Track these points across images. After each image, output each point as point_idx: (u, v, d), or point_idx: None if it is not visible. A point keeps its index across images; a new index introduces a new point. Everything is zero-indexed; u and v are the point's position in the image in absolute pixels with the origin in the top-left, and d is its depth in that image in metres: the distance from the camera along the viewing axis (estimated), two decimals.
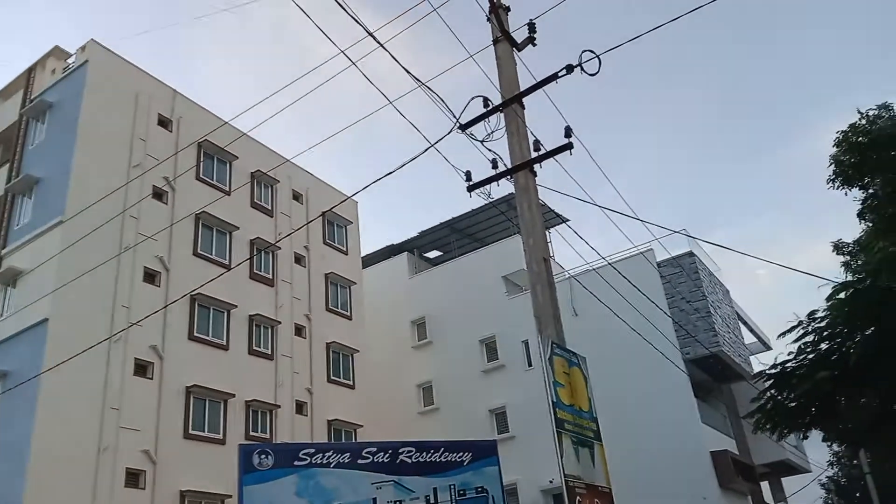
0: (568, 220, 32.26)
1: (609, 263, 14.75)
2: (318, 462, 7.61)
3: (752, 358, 31.32)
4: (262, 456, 7.51)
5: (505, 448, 26.89)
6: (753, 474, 29.63)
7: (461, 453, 8.12)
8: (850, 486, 34.59)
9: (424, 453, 7.99)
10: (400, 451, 7.91)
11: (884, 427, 15.04)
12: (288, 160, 24.59)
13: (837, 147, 10.06)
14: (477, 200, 9.68)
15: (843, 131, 10.03)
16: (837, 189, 10.22)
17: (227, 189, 25.16)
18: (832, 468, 36.06)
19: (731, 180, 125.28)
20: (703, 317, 27.32)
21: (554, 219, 30.11)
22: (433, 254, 38.24)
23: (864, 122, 10.05)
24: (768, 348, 34.99)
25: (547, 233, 32.57)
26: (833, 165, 10.17)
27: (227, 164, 25.72)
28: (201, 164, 24.71)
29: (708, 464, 25.52)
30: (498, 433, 28.67)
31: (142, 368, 20.65)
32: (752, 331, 35.24)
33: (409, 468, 7.86)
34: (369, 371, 28.76)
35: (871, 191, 10.12)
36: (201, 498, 20.30)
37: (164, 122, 24.19)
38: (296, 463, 7.60)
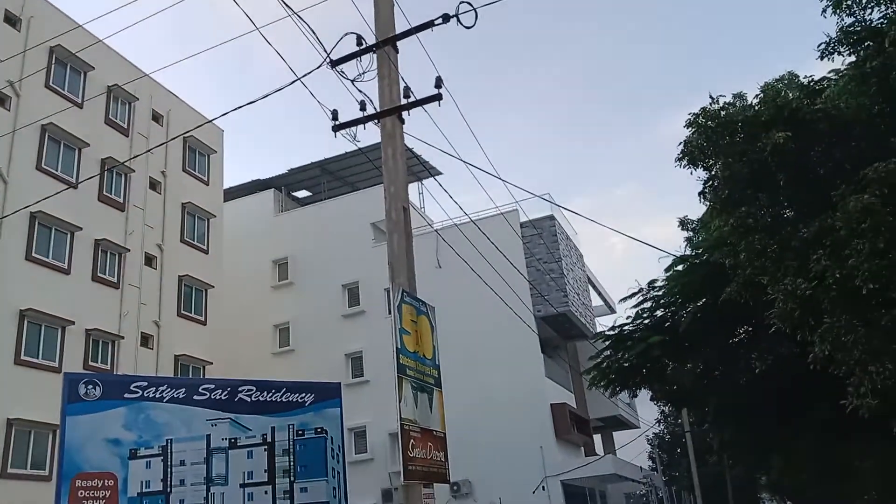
0: (441, 174, 32.51)
1: (472, 220, 15.02)
2: (151, 396, 7.32)
3: (597, 320, 33.31)
4: (90, 386, 7.12)
5: (359, 392, 27.37)
6: (588, 427, 31.80)
7: (303, 394, 8.07)
8: (672, 443, 37.86)
9: (265, 392, 7.87)
10: (239, 388, 7.75)
11: (703, 390, 16.59)
12: (148, 75, 23.03)
13: (688, 128, 10.70)
14: (352, 143, 9.47)
15: (694, 114, 10.67)
16: (684, 168, 10.90)
17: (80, 101, 23.24)
18: (659, 425, 39.29)
19: (604, 149, 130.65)
20: (556, 277, 28.63)
21: (427, 171, 30.23)
22: (302, 193, 37.41)
23: (715, 107, 10.72)
24: (613, 312, 37.35)
25: (419, 184, 32.54)
26: (682, 145, 10.81)
27: (82, 75, 23.69)
28: (52, 70, 22.61)
29: (547, 415, 27.10)
30: (353, 377, 28.96)
31: None
32: (600, 294, 37.40)
33: (248, 407, 7.73)
34: (224, 308, 27.93)
35: (713, 172, 10.87)
36: (30, 427, 19.15)
37: (11, 20, 21.82)
38: (126, 395, 7.27)
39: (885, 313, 8.73)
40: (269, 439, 7.73)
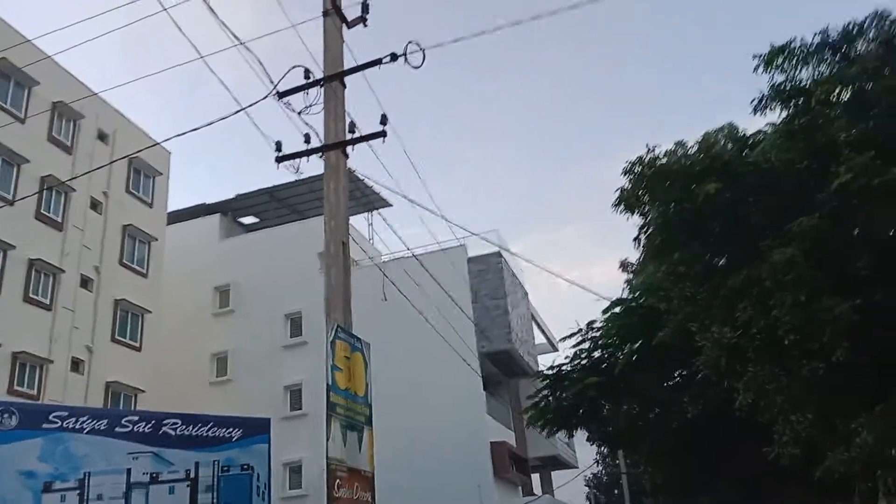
0: (391, 206, 32.50)
1: (414, 255, 15.08)
2: (70, 427, 7.08)
3: (540, 358, 33.52)
4: (5, 415, 6.86)
5: (296, 425, 26.84)
6: (526, 467, 31.77)
7: (231, 429, 7.91)
8: (610, 483, 38.11)
9: (191, 426, 7.69)
10: (164, 422, 7.56)
11: (638, 432, 16.84)
12: (96, 94, 22.56)
13: (624, 175, 11.04)
14: (308, 170, 9.50)
15: (630, 162, 11.02)
16: (621, 213, 11.21)
17: (23, 116, 22.64)
18: (597, 465, 39.55)
19: (555, 189, 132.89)
20: (500, 314, 28.80)
21: (379, 201, 30.18)
22: (249, 220, 36.91)
23: (651, 155, 11.09)
24: (556, 350, 37.61)
25: (369, 215, 32.30)
26: (618, 192, 11.13)
27: (26, 89, 23.11)
28: None
29: (487, 454, 26.98)
30: (291, 410, 28.40)
31: None
32: (543, 332, 37.71)
33: (173, 440, 7.54)
34: (161, 334, 27.18)
35: (647, 219, 11.19)
36: None
37: None
38: (44, 425, 7.01)
39: (805, 364, 9.05)
40: (192, 475, 7.55)
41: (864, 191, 9.27)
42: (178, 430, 7.60)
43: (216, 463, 7.65)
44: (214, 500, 7.54)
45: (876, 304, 8.92)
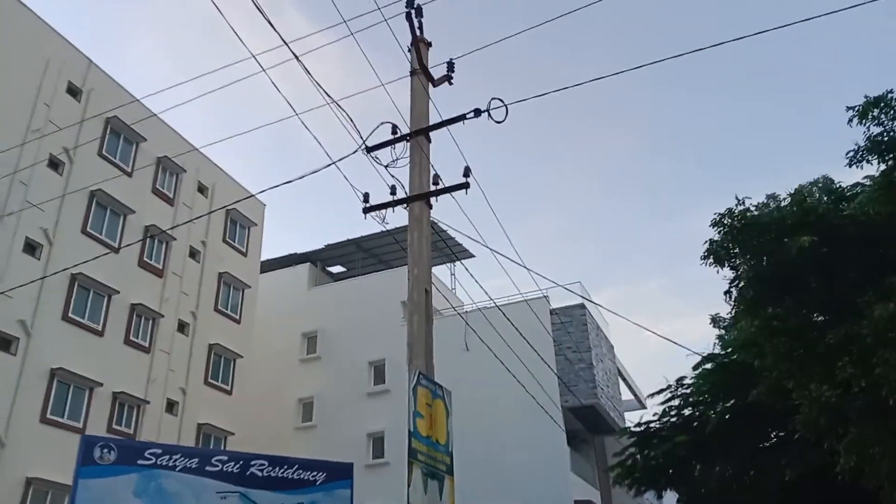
0: (473, 256, 32.75)
1: (497, 306, 15.10)
2: (164, 464, 7.39)
3: (626, 414, 32.50)
4: (105, 450, 7.24)
5: (378, 473, 26.92)
6: None
7: (315, 472, 8.05)
8: None
9: (277, 468, 7.88)
10: (251, 462, 7.78)
11: (732, 496, 16.00)
12: (197, 149, 24.02)
13: (713, 227, 10.80)
14: (392, 221, 9.80)
15: (719, 213, 10.78)
16: (710, 266, 10.92)
17: (129, 170, 24.29)
18: None
19: (634, 243, 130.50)
20: (585, 368, 28.22)
21: (462, 252, 30.49)
22: (336, 269, 37.94)
23: (740, 207, 10.82)
24: (643, 407, 36.41)
25: (451, 265, 32.51)
26: (707, 244, 10.87)
27: (134, 145, 24.83)
28: (106, 139, 23.79)
29: None
30: (373, 458, 28.51)
31: (5, 343, 19.46)
32: (630, 388, 36.63)
33: (259, 481, 7.73)
34: (251, 378, 28.08)
35: (738, 272, 10.87)
36: (49, 487, 19.18)
37: (72, 91, 23.16)
38: (140, 462, 7.35)
39: None
40: None
41: None
42: (265, 471, 7.80)
43: None
44: None
45: None
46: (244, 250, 29.26)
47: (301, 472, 8.04)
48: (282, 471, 7.91)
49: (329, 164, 9.70)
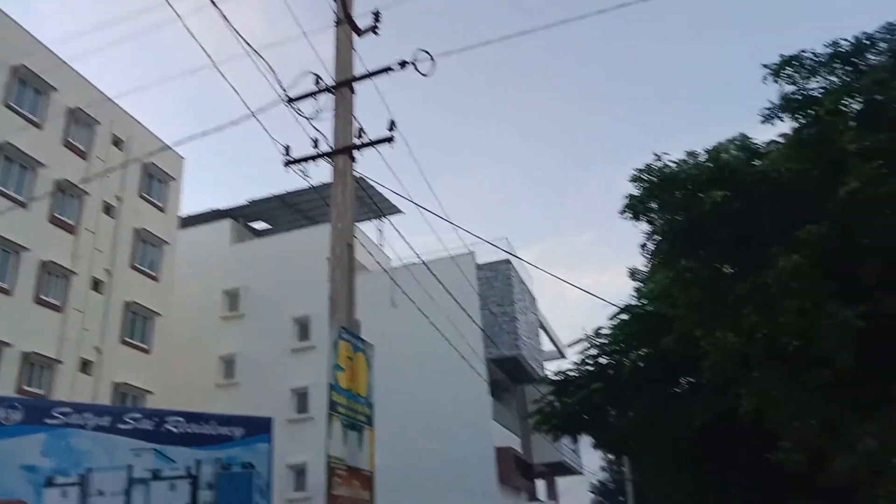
0: (402, 213, 32.57)
1: (423, 262, 15.12)
2: (74, 423, 7.15)
3: (547, 364, 33.45)
4: (9, 410, 6.94)
5: (302, 428, 26.92)
6: (531, 472, 31.66)
7: (234, 427, 7.97)
8: (615, 491, 37.86)
9: (194, 424, 7.75)
10: (166, 419, 7.62)
11: (643, 439, 16.75)
12: (111, 100, 22.84)
13: (633, 182, 11.05)
14: (319, 176, 9.61)
15: (638, 169, 11.02)
16: (629, 220, 11.21)
17: (39, 122, 22.94)
18: (604, 472, 39.29)
19: (566, 193, 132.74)
20: (508, 321, 28.79)
21: (390, 208, 30.24)
22: (260, 225, 37.16)
23: (659, 164, 11.09)
24: (564, 357, 37.55)
25: (380, 221, 32.15)
26: (626, 198, 11.13)
27: (44, 96, 23.41)
28: (13, 89, 22.34)
29: (492, 459, 26.94)
30: (297, 413, 28.49)
31: None
32: (551, 339, 37.64)
33: (175, 438, 7.59)
34: (171, 337, 27.37)
35: (654, 226, 11.19)
36: None
37: None
38: (47, 421, 7.08)
39: (810, 370, 9.01)
40: (193, 472, 7.60)
41: (871, 200, 9.24)
42: (181, 427, 7.66)
43: (218, 461, 7.68)
44: (215, 498, 7.57)
45: (881, 312, 8.88)
46: (162, 206, 28.21)
47: (219, 427, 7.94)
48: (198, 426, 7.78)
49: (248, 116, 9.41)
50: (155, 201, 27.81)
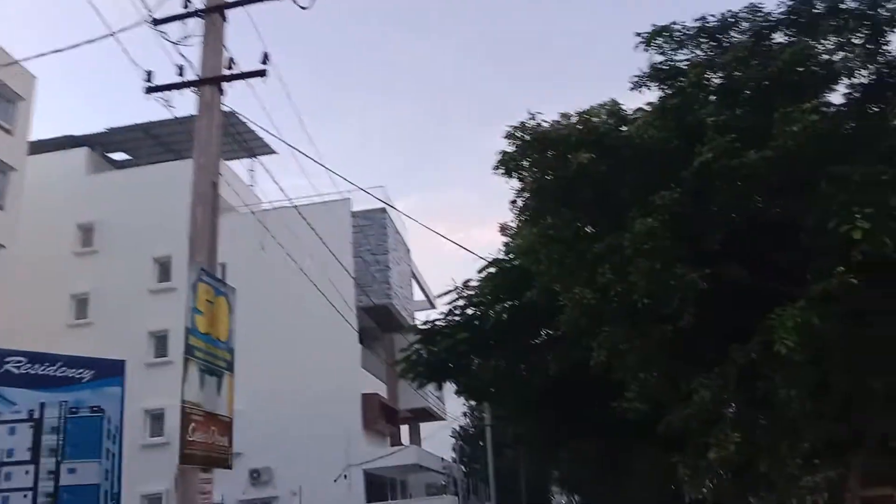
0: (276, 153, 31.51)
1: (295, 207, 14.79)
2: None
3: (417, 314, 34.00)
4: None
5: (161, 372, 25.94)
6: (396, 418, 32.40)
7: (82, 370, 7.56)
8: (476, 436, 39.53)
9: (37, 365, 7.28)
10: (6, 359, 7.12)
11: (503, 387, 17.49)
12: None
13: (506, 139, 11.24)
14: (186, 108, 9.03)
15: (512, 126, 11.21)
16: (501, 176, 11.42)
17: None
18: (465, 418, 40.82)
19: (445, 147, 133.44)
20: (381, 270, 28.90)
21: (263, 148, 29.12)
22: (119, 156, 34.83)
23: (532, 122, 11.32)
24: (434, 307, 38.24)
25: (252, 161, 31.14)
26: (499, 155, 11.33)
27: None
28: None
29: (358, 405, 27.29)
30: (155, 356, 27.47)
31: None
32: (423, 290, 38.23)
33: (15, 379, 7.11)
34: (15, 271, 25.37)
35: (524, 184, 11.48)
36: None
37: None
38: None
39: (656, 327, 9.68)
40: (36, 416, 7.17)
41: (723, 171, 9.88)
42: (23, 367, 7.18)
43: (63, 404, 7.29)
44: (60, 442, 7.20)
45: (724, 276, 9.63)
46: (9, 128, 25.76)
47: (65, 369, 7.51)
48: (42, 368, 7.32)
49: (108, 35, 8.73)
50: (1, 123, 25.36)
